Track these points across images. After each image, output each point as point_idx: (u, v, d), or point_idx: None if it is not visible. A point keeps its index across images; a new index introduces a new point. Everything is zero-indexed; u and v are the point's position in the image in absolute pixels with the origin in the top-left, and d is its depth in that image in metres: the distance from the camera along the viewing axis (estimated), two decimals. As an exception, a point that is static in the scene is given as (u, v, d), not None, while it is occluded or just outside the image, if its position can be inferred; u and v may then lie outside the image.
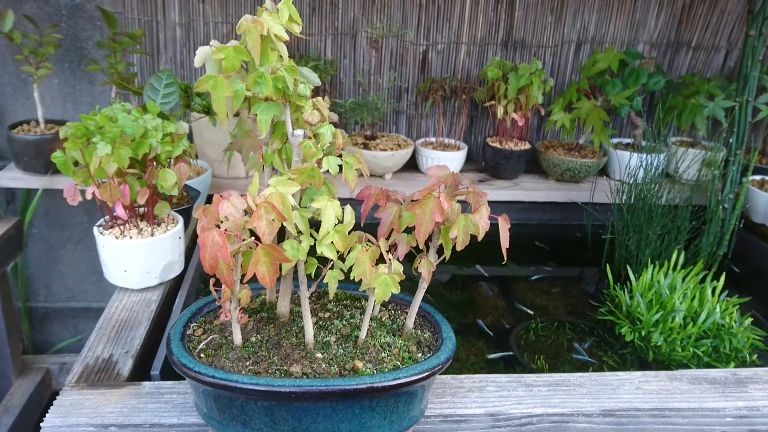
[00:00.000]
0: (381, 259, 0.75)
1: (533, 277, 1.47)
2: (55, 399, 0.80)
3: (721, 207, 1.47)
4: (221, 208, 0.61)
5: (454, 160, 1.68)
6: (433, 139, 1.79)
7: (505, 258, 0.78)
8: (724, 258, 1.53)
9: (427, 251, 0.77)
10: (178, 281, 1.14)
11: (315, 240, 0.68)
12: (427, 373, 0.72)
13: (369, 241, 0.76)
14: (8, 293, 1.59)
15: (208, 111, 1.30)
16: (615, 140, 1.85)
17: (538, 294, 1.45)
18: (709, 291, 1.26)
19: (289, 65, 0.63)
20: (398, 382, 0.70)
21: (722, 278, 1.29)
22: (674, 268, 1.36)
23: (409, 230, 0.76)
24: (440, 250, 0.78)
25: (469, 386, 0.88)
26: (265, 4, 0.67)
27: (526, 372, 1.14)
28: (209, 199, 1.54)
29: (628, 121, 1.85)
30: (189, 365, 0.70)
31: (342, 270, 0.73)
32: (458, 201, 0.76)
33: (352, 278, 0.70)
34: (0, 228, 1.45)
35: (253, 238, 0.64)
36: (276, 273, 0.62)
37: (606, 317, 1.29)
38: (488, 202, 1.82)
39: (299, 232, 0.68)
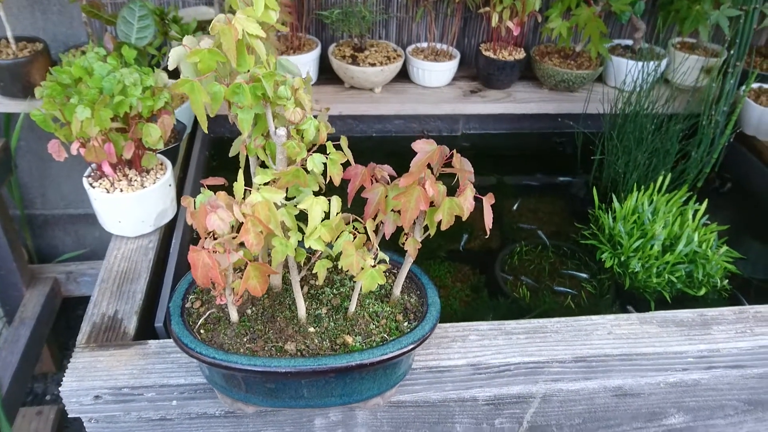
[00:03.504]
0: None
1: (515, 206, 1.49)
2: (69, 362, 0.86)
3: (713, 122, 1.46)
4: (208, 222, 0.62)
5: (445, 71, 1.63)
6: (424, 45, 1.72)
7: (488, 234, 0.80)
8: (711, 171, 1.55)
9: (413, 228, 0.79)
10: (172, 222, 1.16)
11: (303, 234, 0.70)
12: (411, 346, 0.77)
13: (356, 220, 0.77)
14: (5, 211, 1.61)
15: (186, 38, 1.23)
16: (614, 42, 1.78)
17: (524, 212, 1.49)
18: (690, 214, 1.30)
19: (268, 72, 0.60)
20: (385, 357, 0.75)
21: (705, 204, 1.31)
22: (659, 191, 1.38)
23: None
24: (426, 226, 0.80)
25: (453, 335, 0.94)
26: (238, -8, 0.63)
27: (508, 302, 1.21)
28: (196, 122, 1.51)
29: (628, 23, 1.76)
30: (190, 345, 0.75)
31: (330, 257, 0.76)
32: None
33: (340, 267, 0.73)
34: (-13, 154, 1.45)
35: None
36: (266, 282, 0.65)
37: (589, 241, 1.34)
38: (479, 115, 1.79)
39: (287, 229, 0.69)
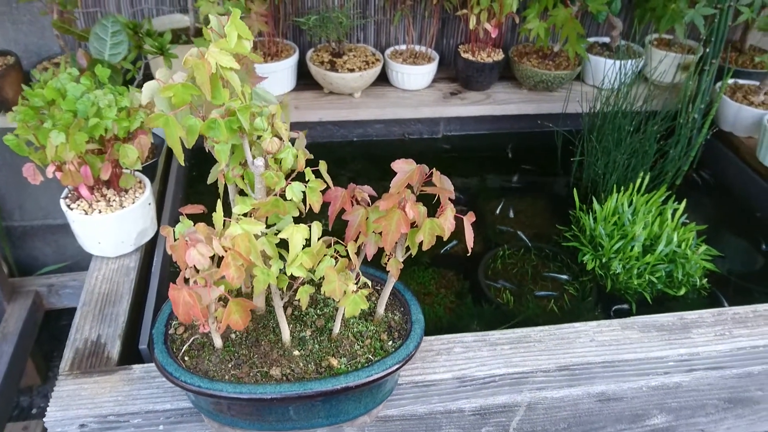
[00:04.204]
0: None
1: (498, 210, 1.49)
2: (53, 390, 0.85)
3: (690, 121, 1.47)
4: (188, 257, 0.61)
5: (425, 73, 1.62)
6: (403, 47, 1.71)
7: (470, 251, 0.81)
8: (689, 169, 1.57)
9: (395, 249, 0.80)
10: (153, 240, 1.15)
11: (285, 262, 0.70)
12: (396, 366, 0.78)
13: (338, 243, 0.77)
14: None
15: (162, 51, 1.22)
16: (591, 39, 1.79)
17: (506, 214, 1.49)
18: (669, 214, 1.31)
19: (243, 105, 0.60)
20: (370, 379, 0.76)
21: (683, 203, 1.33)
22: (638, 191, 1.40)
23: (377, 229, 0.77)
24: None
25: (438, 348, 0.95)
26: (210, 23, 0.62)
27: (492, 308, 1.22)
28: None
29: (606, 22, 1.77)
30: (175, 374, 0.75)
31: (313, 280, 0.75)
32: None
33: (323, 292, 0.73)
34: (-39, 171, 1.42)
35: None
36: (248, 317, 0.65)
37: (570, 243, 1.35)
38: (459, 117, 1.80)
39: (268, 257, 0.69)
